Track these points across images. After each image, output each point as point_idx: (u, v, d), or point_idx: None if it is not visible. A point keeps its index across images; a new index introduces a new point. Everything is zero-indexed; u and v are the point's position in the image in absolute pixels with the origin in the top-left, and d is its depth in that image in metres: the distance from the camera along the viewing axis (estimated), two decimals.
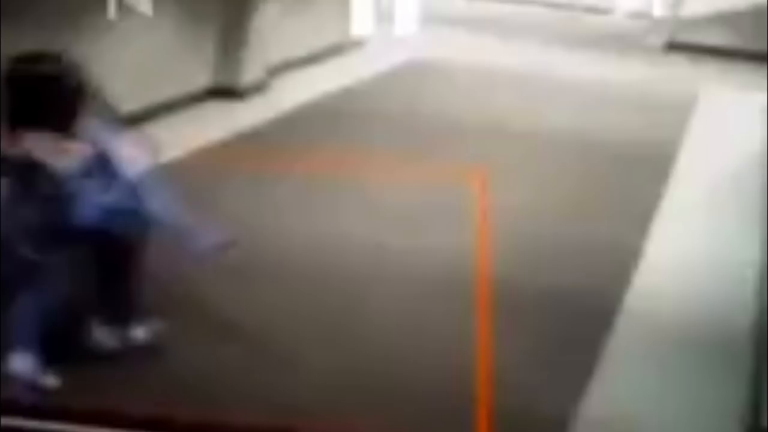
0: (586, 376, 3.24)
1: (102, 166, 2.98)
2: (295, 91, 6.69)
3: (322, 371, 3.14)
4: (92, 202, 2.95)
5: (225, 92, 6.32)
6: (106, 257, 3.05)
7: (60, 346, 2.96)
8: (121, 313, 3.13)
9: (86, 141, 2.99)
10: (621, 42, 10.02)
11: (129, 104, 4.16)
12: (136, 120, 4.22)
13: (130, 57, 5.39)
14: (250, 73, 6.47)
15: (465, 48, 8.93)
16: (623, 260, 4.30)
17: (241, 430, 2.78)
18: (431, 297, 3.77)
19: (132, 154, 3.01)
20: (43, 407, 2.79)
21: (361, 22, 8.49)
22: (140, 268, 3.14)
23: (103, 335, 3.11)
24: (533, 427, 2.95)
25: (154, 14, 5.54)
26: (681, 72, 8.92)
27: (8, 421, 2.70)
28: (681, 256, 4.50)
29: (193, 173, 4.56)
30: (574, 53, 9.23)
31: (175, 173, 3.47)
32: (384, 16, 9.20)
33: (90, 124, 3.01)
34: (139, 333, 3.16)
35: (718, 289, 4.19)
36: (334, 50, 7.97)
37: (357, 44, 8.40)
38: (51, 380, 2.89)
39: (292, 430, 2.79)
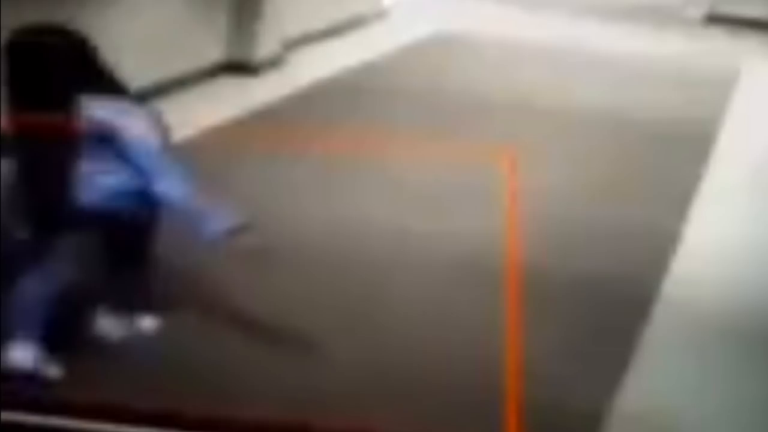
0: (621, 368, 3.14)
1: (109, 145, 2.85)
2: (313, 66, 6.56)
3: (340, 363, 3.04)
4: (98, 183, 2.84)
5: (239, 67, 6.18)
6: (113, 241, 2.96)
7: (63, 335, 2.88)
8: (128, 301, 3.03)
9: (92, 118, 2.85)
10: (658, 14, 9.80)
11: (138, 80, 4.03)
12: (145, 96, 4.09)
13: (139, 30, 5.27)
14: (265, 47, 6.33)
15: (492, 20, 8.75)
16: (660, 245, 4.19)
17: (253, 425, 2.68)
18: (457, 284, 3.67)
19: (141, 133, 2.87)
20: (44, 401, 2.69)
21: None
22: (148, 253, 3.05)
23: (109, 324, 3.02)
24: (565, 422, 2.85)
25: None
26: (722, 46, 8.69)
27: (8, 416, 2.59)
28: (722, 241, 4.39)
29: (205, 153, 4.45)
30: (607, 25, 9.02)
31: (186, 153, 3.33)
32: None
33: (97, 101, 2.87)
34: (147, 322, 3.07)
35: (762, 275, 4.07)
36: (356, 22, 7.82)
37: (379, 16, 8.23)
38: (54, 371, 2.78)
39: (307, 425, 2.67)
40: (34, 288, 2.81)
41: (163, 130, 2.95)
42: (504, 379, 2.95)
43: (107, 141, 2.86)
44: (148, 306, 3.08)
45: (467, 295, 3.56)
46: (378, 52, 7.15)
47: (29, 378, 2.75)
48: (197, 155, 3.90)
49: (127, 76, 3.09)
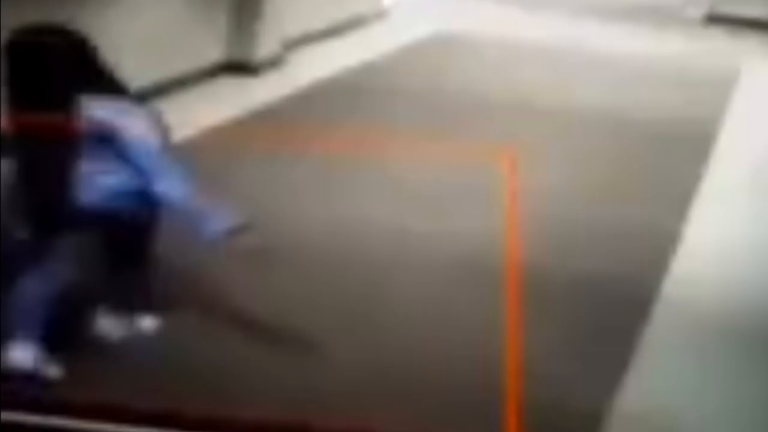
0: (621, 368, 3.13)
1: (109, 145, 2.85)
2: (313, 66, 6.55)
3: (341, 363, 3.03)
4: (98, 183, 2.84)
5: (239, 67, 6.17)
6: (113, 241, 2.95)
7: (63, 335, 2.87)
8: (128, 301, 3.03)
9: (92, 118, 2.85)
10: (658, 14, 9.78)
11: (138, 80, 4.03)
12: (145, 96, 4.09)
13: (139, 30, 5.26)
14: (265, 47, 6.32)
15: (492, 20, 8.74)
16: (660, 245, 4.18)
17: (253, 425, 2.68)
18: (457, 284, 3.66)
19: (141, 133, 2.87)
20: (44, 401, 2.68)
21: None
22: (148, 253, 3.04)
23: (109, 324, 3.01)
24: (565, 422, 2.84)
25: None
26: (722, 46, 8.68)
27: (8, 416, 2.58)
28: (722, 241, 4.38)
29: (205, 153, 4.45)
30: (607, 25, 9.00)
31: (186, 153, 3.32)
32: None
33: (97, 101, 2.86)
34: (147, 322, 3.06)
35: (762, 275, 4.06)
36: (356, 22, 7.81)
37: (379, 16, 8.22)
38: (54, 371, 2.78)
39: (307, 425, 2.67)
40: (34, 288, 2.80)
41: (163, 130, 2.95)
42: (504, 379, 2.94)
43: (107, 141, 2.85)
44: (148, 306, 3.06)
45: (467, 295, 3.55)
46: (378, 52, 7.14)
47: (29, 378, 2.74)
48: (197, 155, 3.89)
49: (127, 76, 3.08)
